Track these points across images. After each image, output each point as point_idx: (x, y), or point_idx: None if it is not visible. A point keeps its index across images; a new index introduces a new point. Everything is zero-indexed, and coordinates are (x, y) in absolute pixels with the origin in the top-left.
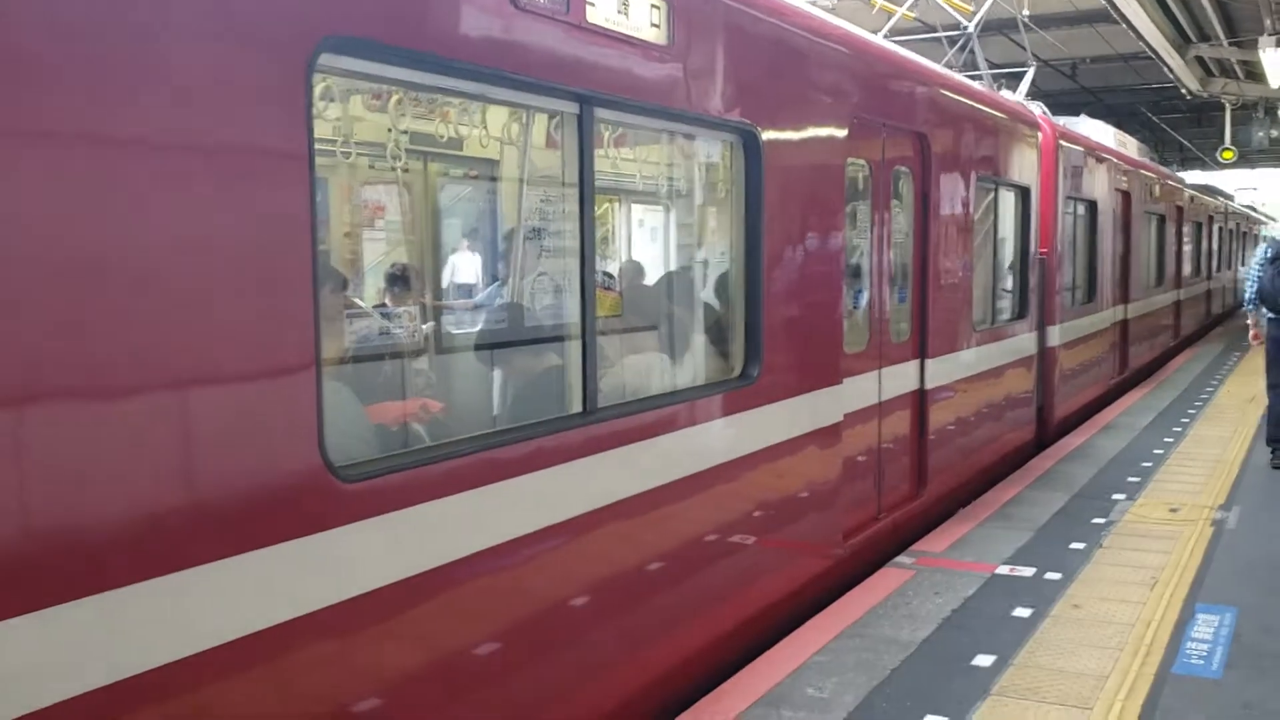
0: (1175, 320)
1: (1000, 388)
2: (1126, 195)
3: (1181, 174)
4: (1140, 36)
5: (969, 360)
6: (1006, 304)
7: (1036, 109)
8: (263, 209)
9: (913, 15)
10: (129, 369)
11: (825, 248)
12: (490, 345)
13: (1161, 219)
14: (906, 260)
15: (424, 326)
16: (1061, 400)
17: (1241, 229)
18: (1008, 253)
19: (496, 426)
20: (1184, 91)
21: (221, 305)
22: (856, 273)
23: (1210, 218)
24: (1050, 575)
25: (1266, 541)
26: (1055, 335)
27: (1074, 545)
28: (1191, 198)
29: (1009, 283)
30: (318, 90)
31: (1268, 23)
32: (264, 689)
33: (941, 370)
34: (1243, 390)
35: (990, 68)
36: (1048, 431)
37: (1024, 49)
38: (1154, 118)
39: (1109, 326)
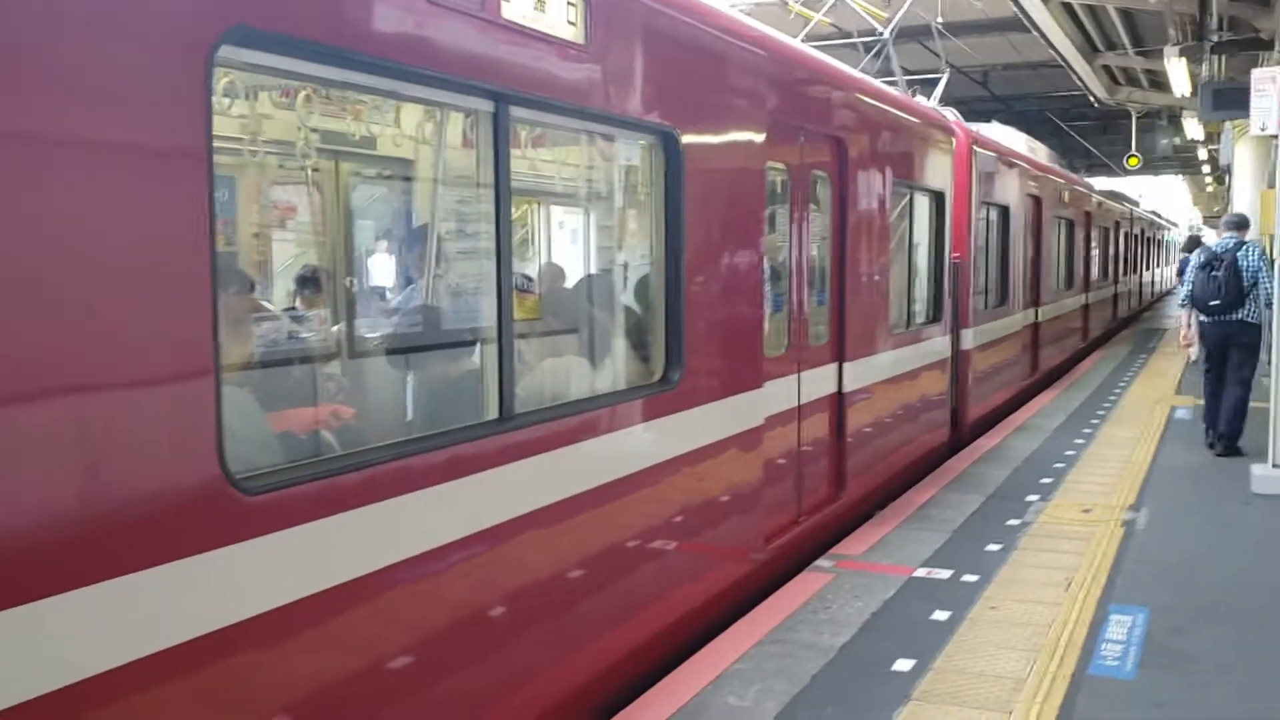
0: (1084, 323)
1: (916, 390)
2: (1037, 200)
3: (1089, 180)
4: (1051, 45)
5: (886, 363)
6: (922, 307)
7: (950, 115)
8: (157, 209)
9: (829, 21)
10: (4, 376)
11: (745, 251)
12: (404, 350)
13: (1070, 224)
14: (825, 264)
15: (335, 330)
16: (975, 402)
17: (1146, 234)
18: (923, 257)
19: (410, 434)
20: (1092, 100)
21: (109, 308)
22: (776, 276)
23: (1117, 223)
24: (967, 577)
25: (1175, 541)
26: (969, 338)
27: (990, 547)
28: (1099, 203)
29: (924, 286)
30: (220, 85)
31: (1172, 33)
32: (154, 718)
33: (859, 373)
34: (1150, 392)
35: (905, 74)
36: (962, 433)
37: (938, 56)
38: (1062, 125)
39: (1021, 329)
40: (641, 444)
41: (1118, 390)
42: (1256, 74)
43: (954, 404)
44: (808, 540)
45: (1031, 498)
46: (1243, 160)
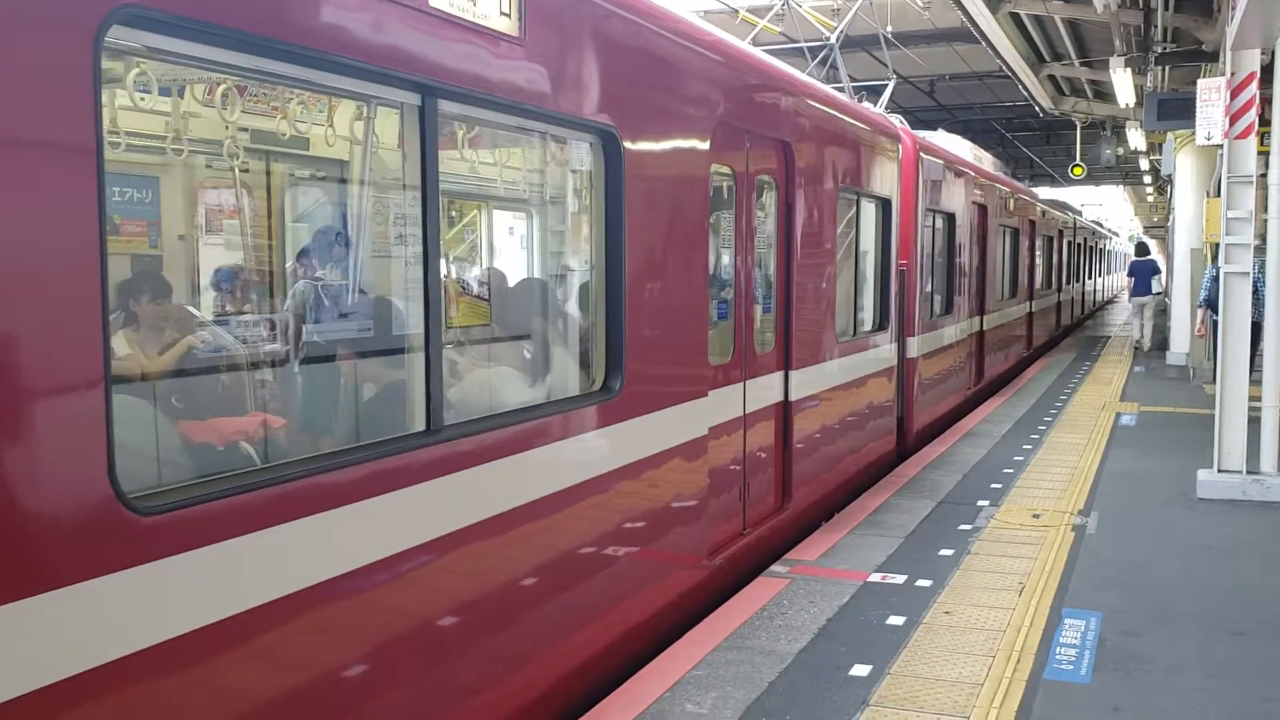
0: (1028, 331)
1: (862, 398)
2: (983, 208)
3: (1035, 190)
4: (998, 55)
5: (832, 371)
6: (869, 315)
7: (897, 122)
8: (38, 206)
9: (777, 30)
10: None
11: (689, 257)
12: (330, 358)
13: (1015, 232)
14: (771, 271)
15: (266, 336)
16: (921, 410)
17: (1089, 243)
18: (870, 264)
19: (332, 447)
20: (1037, 110)
21: None
22: (721, 283)
23: (1060, 231)
24: (921, 582)
25: (1124, 545)
26: (915, 346)
27: (943, 551)
28: (1043, 212)
29: (871, 294)
30: (130, 76)
31: (1118, 44)
32: None
33: (806, 381)
34: (1095, 399)
35: (851, 82)
36: (907, 442)
37: (885, 65)
38: (1008, 135)
39: (966, 337)
40: (581, 455)
41: (1063, 397)
42: (1202, 84)
43: (900, 412)
44: (754, 552)
45: (982, 503)
46: (1184, 170)
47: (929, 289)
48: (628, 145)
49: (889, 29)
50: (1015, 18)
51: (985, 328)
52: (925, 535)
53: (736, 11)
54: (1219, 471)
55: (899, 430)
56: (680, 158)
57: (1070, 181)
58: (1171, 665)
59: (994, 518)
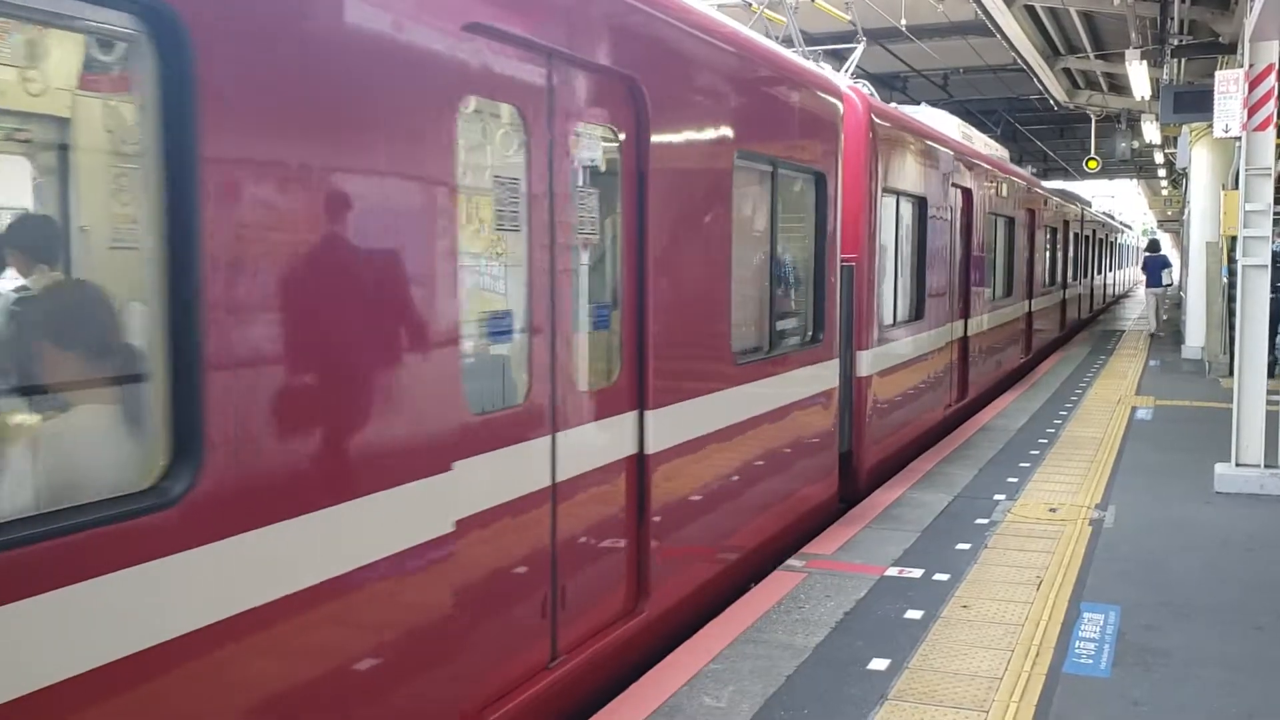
0: (1027, 334)
1: (781, 435)
2: (968, 193)
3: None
4: (1013, 48)
5: (724, 406)
6: (794, 325)
7: (864, 88)
8: None
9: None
10: None
11: (407, 244)
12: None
13: (1011, 222)
14: (609, 268)
15: None
16: (876, 441)
17: (1099, 235)
18: (795, 258)
19: None
20: (1052, 103)
21: None
22: (494, 286)
23: (1066, 223)
24: (939, 576)
25: (1142, 539)
26: (868, 361)
27: (960, 546)
28: (1046, 200)
29: (796, 297)
30: None
31: (1133, 36)
32: None
33: (675, 424)
34: (1110, 393)
35: (862, 74)
36: (858, 482)
37: (899, 58)
38: (1021, 128)
39: (944, 346)
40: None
41: (1078, 391)
42: (1220, 75)
43: (846, 445)
44: (574, 687)
45: (998, 497)
46: (1200, 163)
47: (891, 289)
48: (205, 34)
49: (903, 21)
50: (1030, 10)
51: (970, 333)
52: (942, 529)
53: (750, 3)
54: (1237, 466)
55: (844, 469)
56: (378, 73)
57: (1084, 175)
58: (1191, 659)
59: (1011, 512)
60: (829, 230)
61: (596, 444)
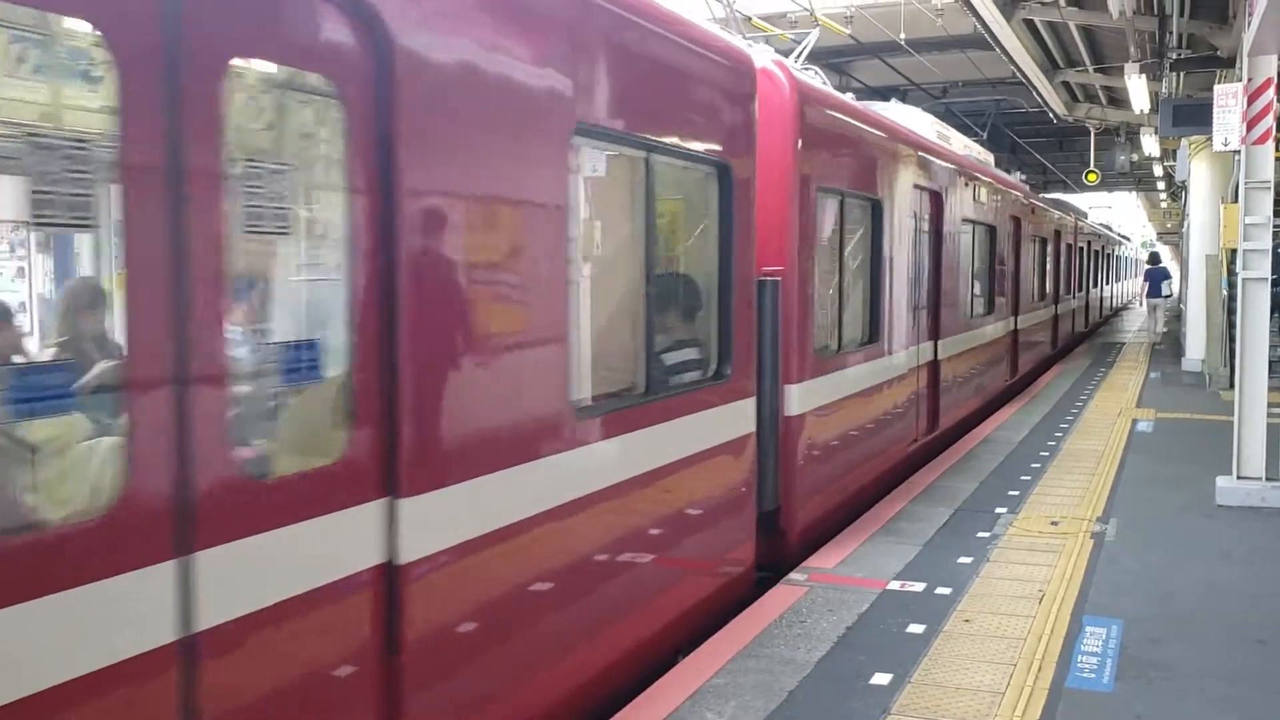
0: (1012, 354)
1: (658, 504)
2: (938, 197)
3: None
4: (1012, 61)
5: (556, 477)
6: (688, 357)
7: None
8: None
9: (789, 36)
10: None
11: None
12: None
13: (992, 232)
14: (329, 286)
15: None
16: (813, 494)
17: (1094, 248)
18: (692, 272)
19: None
20: (1051, 116)
21: None
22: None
23: (1057, 232)
24: (940, 590)
25: (1144, 553)
26: (799, 398)
27: (961, 559)
28: (1034, 208)
29: (692, 323)
30: None
31: (1132, 50)
32: None
33: (454, 513)
34: (1111, 405)
35: (868, 93)
36: (787, 545)
37: (898, 71)
38: (1020, 141)
39: (907, 373)
40: None
41: (1079, 404)
42: (1219, 89)
43: (772, 502)
44: None
45: (1000, 510)
46: (1199, 176)
47: (835, 308)
48: None
49: (902, 35)
50: (1029, 24)
51: (943, 356)
52: (943, 543)
53: (749, 18)
54: (1238, 478)
55: (769, 530)
56: None
57: (1084, 188)
58: (1194, 673)
59: (1012, 525)
60: (738, 237)
61: (291, 559)
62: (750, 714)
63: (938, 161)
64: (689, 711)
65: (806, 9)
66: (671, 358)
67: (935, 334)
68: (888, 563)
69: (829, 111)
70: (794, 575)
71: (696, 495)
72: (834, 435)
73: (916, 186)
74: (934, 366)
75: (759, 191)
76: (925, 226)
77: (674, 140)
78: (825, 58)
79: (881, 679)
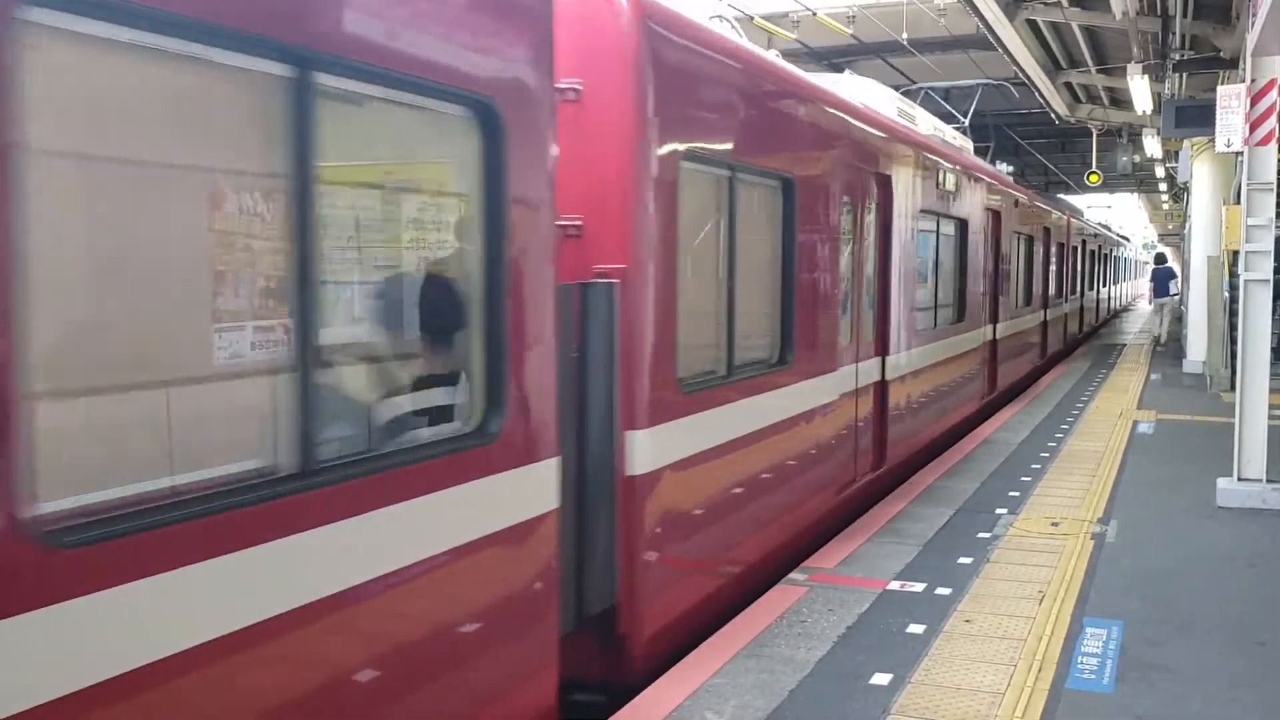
0: (989, 368)
1: (378, 635)
2: (886, 182)
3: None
4: (1014, 62)
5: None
6: (425, 405)
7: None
8: None
9: (792, 36)
10: None
11: None
12: None
13: (963, 226)
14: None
15: None
16: (674, 583)
17: (1090, 248)
18: (438, 272)
19: None
20: (1053, 117)
21: None
22: None
23: (1047, 230)
24: (941, 590)
25: (1144, 554)
26: (647, 451)
27: (961, 560)
28: (1017, 201)
29: (437, 354)
30: None
31: (1135, 51)
32: None
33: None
34: (1112, 407)
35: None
36: (628, 661)
37: (902, 73)
38: (1022, 142)
39: (838, 399)
40: None
41: (1080, 405)
42: (1222, 90)
43: (608, 600)
44: None
45: (1000, 511)
46: (1201, 178)
47: (723, 319)
48: None
49: (904, 35)
50: (1032, 25)
51: (890, 376)
52: (944, 543)
53: (751, 17)
54: (1239, 480)
55: (606, 640)
56: None
57: (1085, 189)
58: (1195, 675)
59: (1013, 525)
60: (513, 215)
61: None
62: (750, 713)
63: (886, 138)
64: (689, 711)
65: (809, 9)
66: (394, 408)
67: (882, 349)
68: (888, 563)
69: (703, 51)
70: (794, 575)
71: (451, 621)
72: (714, 494)
73: (854, 166)
74: (881, 389)
75: (586, 158)
76: (868, 218)
77: (394, 62)
78: (828, 57)
79: (881, 679)
